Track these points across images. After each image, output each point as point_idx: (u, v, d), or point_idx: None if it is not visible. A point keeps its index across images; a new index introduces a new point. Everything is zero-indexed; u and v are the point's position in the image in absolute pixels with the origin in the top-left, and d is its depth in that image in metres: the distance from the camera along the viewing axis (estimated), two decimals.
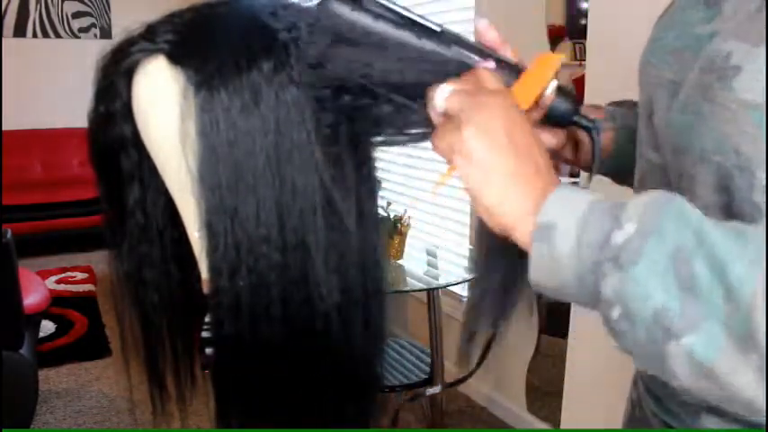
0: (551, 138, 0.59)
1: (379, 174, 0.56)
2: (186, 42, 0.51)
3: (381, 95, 0.51)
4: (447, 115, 0.48)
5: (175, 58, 0.50)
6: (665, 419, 0.58)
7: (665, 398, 0.59)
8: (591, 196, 0.42)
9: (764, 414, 0.37)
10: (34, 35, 4.76)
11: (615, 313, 0.39)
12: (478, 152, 0.45)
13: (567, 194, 0.43)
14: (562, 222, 0.41)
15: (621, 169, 0.70)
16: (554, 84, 0.55)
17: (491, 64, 0.54)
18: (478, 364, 2.16)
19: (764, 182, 0.46)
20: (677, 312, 0.37)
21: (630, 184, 0.72)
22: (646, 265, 0.38)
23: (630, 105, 0.73)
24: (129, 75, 0.52)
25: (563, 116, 0.57)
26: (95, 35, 4.91)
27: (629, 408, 0.68)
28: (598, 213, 0.41)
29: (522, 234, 0.44)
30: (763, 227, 0.38)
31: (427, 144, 0.64)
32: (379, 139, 0.54)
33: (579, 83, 1.96)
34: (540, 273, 0.43)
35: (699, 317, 0.36)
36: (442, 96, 0.48)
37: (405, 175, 2.86)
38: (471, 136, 0.45)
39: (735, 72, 0.47)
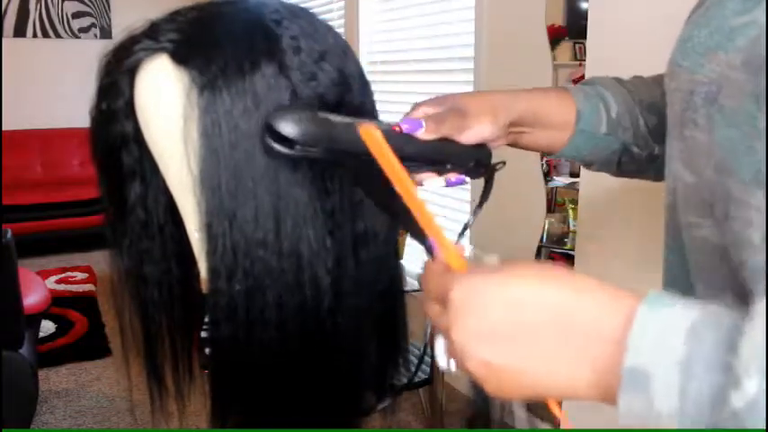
0: (483, 129, 0.57)
1: None
2: (190, 42, 0.50)
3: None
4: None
5: (179, 57, 0.50)
6: None
7: None
8: (686, 320, 0.32)
9: None
10: (34, 35, 4.76)
11: None
12: (492, 359, 0.38)
13: (652, 329, 0.33)
14: (658, 370, 0.32)
15: (586, 156, 0.67)
16: None
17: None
18: None
19: None
20: None
21: (598, 170, 0.70)
22: None
23: (607, 84, 0.68)
24: (132, 73, 0.52)
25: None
26: (95, 35, 4.91)
27: None
28: (703, 360, 0.31)
29: (592, 391, 0.36)
30: None
31: None
32: None
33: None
34: (634, 424, 0.34)
35: None
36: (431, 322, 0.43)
37: None
38: (479, 352, 0.38)
39: None
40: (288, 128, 0.47)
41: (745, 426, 0.29)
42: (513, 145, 0.65)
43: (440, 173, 0.57)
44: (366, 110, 0.55)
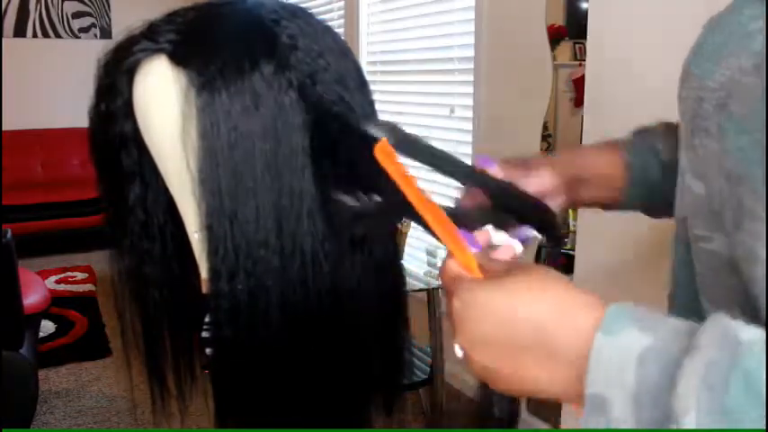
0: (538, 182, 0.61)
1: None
2: (188, 42, 0.50)
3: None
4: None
5: (177, 58, 0.50)
6: None
7: None
8: (637, 348, 0.35)
9: None
10: (34, 35, 4.76)
11: None
12: (487, 365, 0.41)
13: (608, 357, 0.35)
14: (614, 397, 0.35)
15: (647, 204, 0.70)
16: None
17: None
18: None
19: None
20: None
21: (665, 215, 0.70)
22: None
23: (656, 132, 0.71)
24: (131, 74, 0.52)
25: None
26: (95, 35, 4.91)
27: None
28: (650, 393, 0.34)
29: (570, 400, 0.39)
30: None
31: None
32: None
33: (579, 83, 1.96)
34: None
35: None
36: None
37: None
38: (476, 356, 0.42)
39: None
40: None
41: None
42: (574, 204, 0.68)
43: (508, 230, 0.59)
44: (364, 110, 0.55)
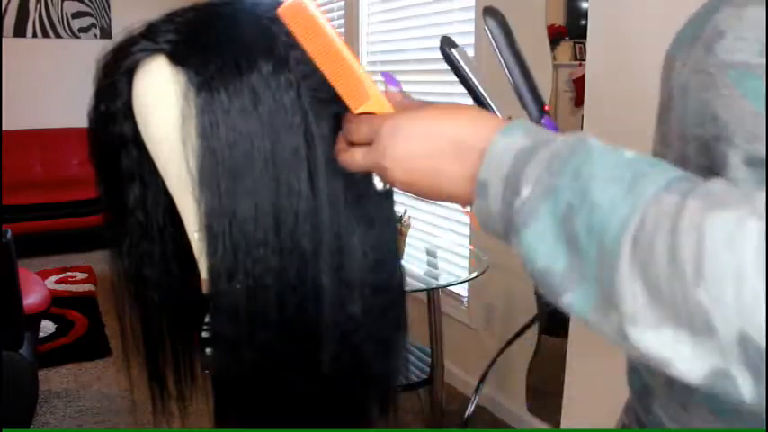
0: None
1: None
2: (187, 42, 0.51)
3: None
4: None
5: (176, 58, 0.50)
6: None
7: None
8: (519, 145, 0.42)
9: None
10: (34, 35, 4.76)
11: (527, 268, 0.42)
12: (412, 175, 0.47)
13: (500, 150, 0.44)
14: (492, 179, 0.43)
15: None
16: None
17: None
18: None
19: (741, 153, 0.44)
20: (559, 272, 0.39)
21: None
22: (534, 229, 0.40)
23: None
24: (130, 74, 0.52)
25: None
26: (95, 35, 4.91)
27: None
28: (517, 176, 0.42)
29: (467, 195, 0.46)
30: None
31: None
32: None
33: (579, 83, 1.96)
34: (483, 223, 0.46)
35: (578, 276, 0.38)
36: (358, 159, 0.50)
37: None
38: (400, 171, 0.47)
39: (718, 37, 0.46)
40: None
41: (514, 223, 0.41)
42: None
43: None
44: None
